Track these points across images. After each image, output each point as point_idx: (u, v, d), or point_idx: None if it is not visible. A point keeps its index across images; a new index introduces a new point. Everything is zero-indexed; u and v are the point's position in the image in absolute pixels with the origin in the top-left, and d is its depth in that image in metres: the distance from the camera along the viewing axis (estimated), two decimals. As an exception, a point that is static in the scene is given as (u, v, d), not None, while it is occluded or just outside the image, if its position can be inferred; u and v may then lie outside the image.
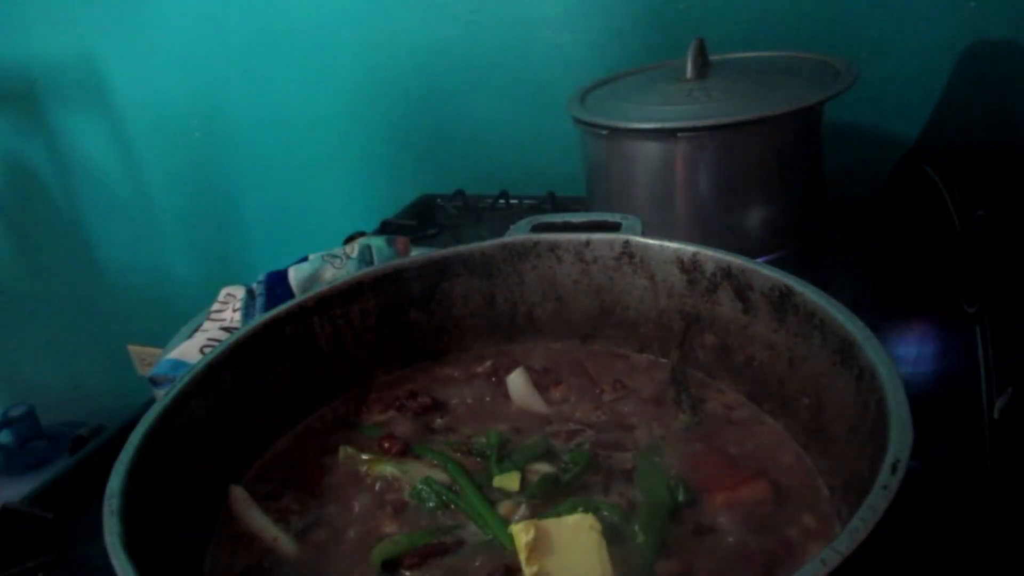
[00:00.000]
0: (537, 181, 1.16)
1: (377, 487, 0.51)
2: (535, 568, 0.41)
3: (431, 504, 0.49)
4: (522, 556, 0.41)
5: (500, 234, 0.64)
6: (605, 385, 0.59)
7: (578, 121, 0.84)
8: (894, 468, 0.33)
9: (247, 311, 0.76)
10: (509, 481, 0.49)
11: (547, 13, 1.11)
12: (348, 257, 0.78)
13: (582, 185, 0.92)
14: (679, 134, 0.77)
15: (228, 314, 0.76)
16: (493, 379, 0.61)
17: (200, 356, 0.64)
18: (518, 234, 0.63)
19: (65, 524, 0.65)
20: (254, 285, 0.77)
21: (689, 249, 0.56)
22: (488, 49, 1.16)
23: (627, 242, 0.59)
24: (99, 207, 1.65)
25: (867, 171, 0.94)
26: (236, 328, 0.70)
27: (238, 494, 0.50)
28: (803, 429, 0.50)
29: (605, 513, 0.45)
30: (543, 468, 0.50)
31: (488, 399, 0.59)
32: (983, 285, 0.61)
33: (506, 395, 0.59)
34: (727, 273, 0.54)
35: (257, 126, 1.41)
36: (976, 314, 0.61)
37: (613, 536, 0.43)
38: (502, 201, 1.15)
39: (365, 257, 0.78)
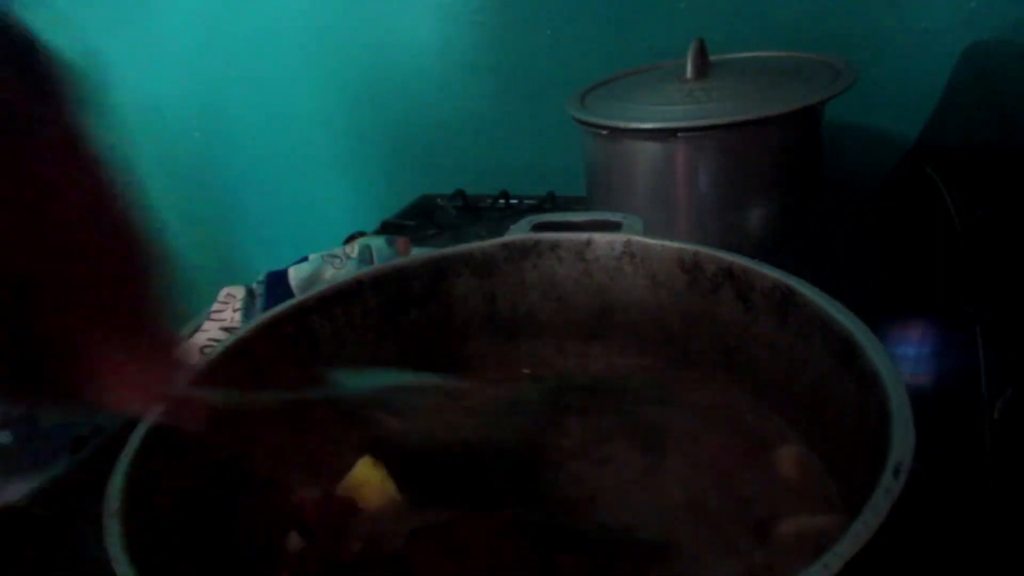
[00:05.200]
0: (537, 181, 1.16)
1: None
2: None
3: None
4: None
5: (500, 234, 0.63)
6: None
7: (578, 121, 0.84)
8: (896, 471, 0.33)
9: (247, 311, 0.76)
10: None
11: (547, 13, 1.10)
12: (348, 257, 0.78)
13: (582, 185, 0.92)
14: (679, 134, 0.77)
15: (228, 314, 0.76)
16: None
17: (200, 356, 0.64)
18: (518, 234, 0.63)
19: (65, 524, 0.65)
20: (254, 285, 0.77)
21: (690, 249, 0.56)
22: (488, 49, 1.16)
23: (628, 242, 0.59)
24: (98, 207, 1.64)
25: (867, 171, 0.94)
26: (236, 328, 0.69)
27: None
28: (804, 431, 0.50)
29: None
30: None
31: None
32: (983, 284, 0.61)
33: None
34: (728, 273, 0.54)
35: (257, 126, 1.40)
36: (976, 314, 0.60)
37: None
38: (502, 201, 1.15)
39: (365, 257, 0.78)
